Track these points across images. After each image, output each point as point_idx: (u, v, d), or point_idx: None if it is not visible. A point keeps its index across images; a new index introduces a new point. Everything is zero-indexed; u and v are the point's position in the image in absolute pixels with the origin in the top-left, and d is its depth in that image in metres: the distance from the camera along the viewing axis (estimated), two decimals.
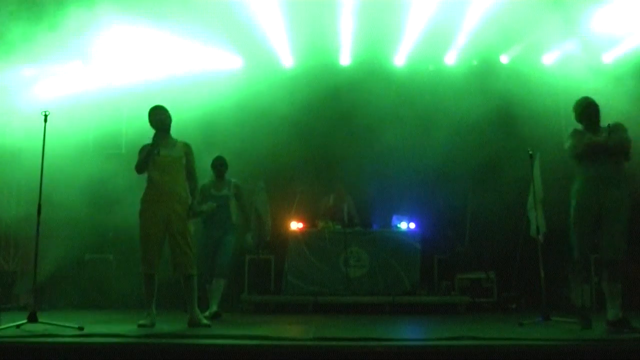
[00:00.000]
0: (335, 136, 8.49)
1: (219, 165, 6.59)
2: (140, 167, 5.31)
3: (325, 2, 7.46)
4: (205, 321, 5.20)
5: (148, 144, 5.34)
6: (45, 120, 4.97)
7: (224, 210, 6.44)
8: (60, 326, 4.55)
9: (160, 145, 5.30)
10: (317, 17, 7.62)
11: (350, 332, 4.59)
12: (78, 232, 7.89)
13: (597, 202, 4.77)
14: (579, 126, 5.08)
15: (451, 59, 8.60)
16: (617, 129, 4.83)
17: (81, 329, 4.41)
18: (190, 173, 5.41)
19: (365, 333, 4.49)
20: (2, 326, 4.38)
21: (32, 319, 4.62)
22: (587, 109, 5.03)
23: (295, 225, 7.64)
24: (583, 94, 5.20)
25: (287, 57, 8.65)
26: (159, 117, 5.37)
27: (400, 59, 8.60)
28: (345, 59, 8.66)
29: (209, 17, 7.38)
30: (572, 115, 5.17)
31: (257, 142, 8.24)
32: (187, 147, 5.41)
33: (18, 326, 4.51)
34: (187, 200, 5.33)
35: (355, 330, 4.92)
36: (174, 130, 5.46)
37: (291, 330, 4.78)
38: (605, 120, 5.04)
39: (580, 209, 4.84)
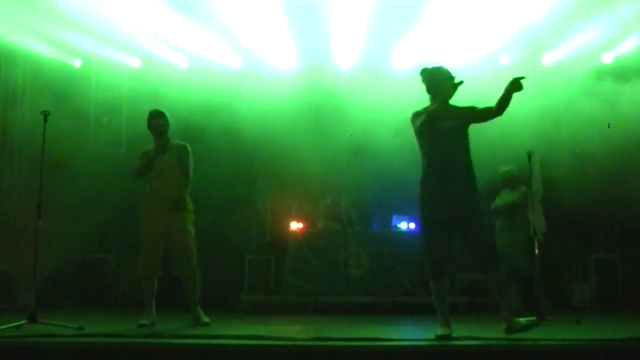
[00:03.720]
0: (335, 136, 8.45)
1: None
2: (141, 173, 5.32)
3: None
4: (205, 319, 5.21)
5: (149, 149, 5.36)
6: (45, 121, 4.94)
7: None
8: (60, 326, 4.55)
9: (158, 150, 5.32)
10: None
11: (350, 332, 4.59)
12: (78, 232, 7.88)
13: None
14: None
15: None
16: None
17: (81, 329, 4.41)
18: (184, 172, 5.37)
19: (365, 333, 4.48)
20: (2, 326, 4.38)
21: (32, 319, 4.61)
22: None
23: (295, 225, 7.63)
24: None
25: (286, 59, 8.60)
26: (157, 121, 5.37)
27: (398, 61, 8.57)
28: (346, 62, 8.60)
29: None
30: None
31: (257, 144, 8.22)
32: (181, 148, 5.41)
33: (18, 326, 4.50)
34: (185, 201, 5.33)
35: (355, 330, 4.92)
36: None
37: (291, 330, 4.78)
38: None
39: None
